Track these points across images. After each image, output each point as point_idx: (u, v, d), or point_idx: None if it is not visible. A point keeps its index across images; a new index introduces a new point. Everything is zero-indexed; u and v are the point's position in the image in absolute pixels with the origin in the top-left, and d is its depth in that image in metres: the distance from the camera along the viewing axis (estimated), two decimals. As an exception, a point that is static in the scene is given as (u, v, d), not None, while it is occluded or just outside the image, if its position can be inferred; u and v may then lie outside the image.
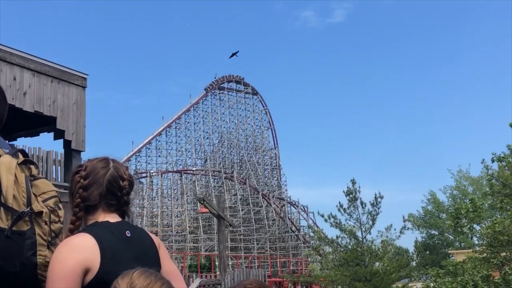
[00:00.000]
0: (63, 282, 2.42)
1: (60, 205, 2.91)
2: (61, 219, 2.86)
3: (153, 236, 2.88)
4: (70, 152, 12.55)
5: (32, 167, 2.90)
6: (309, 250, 50.12)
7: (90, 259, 2.48)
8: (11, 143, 3.05)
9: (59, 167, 14.49)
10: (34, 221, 2.68)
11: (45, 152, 14.54)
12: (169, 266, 2.84)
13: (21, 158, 2.83)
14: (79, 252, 2.48)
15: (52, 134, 12.74)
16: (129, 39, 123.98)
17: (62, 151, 13.39)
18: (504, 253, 20.02)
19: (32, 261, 2.64)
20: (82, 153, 12.83)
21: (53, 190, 2.93)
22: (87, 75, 12.97)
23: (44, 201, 2.81)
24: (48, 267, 2.54)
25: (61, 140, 12.52)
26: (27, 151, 14.49)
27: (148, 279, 1.99)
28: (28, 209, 2.65)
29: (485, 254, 20.80)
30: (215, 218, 27.01)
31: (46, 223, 2.74)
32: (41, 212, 2.72)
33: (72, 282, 2.43)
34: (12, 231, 2.60)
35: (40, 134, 13.77)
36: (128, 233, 2.70)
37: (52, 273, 2.47)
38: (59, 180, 13.66)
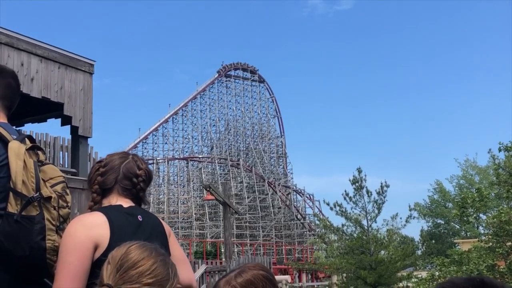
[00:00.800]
0: (74, 254, 2.48)
1: (68, 191, 2.96)
2: (69, 205, 2.91)
3: (164, 224, 2.95)
4: (77, 138, 12.59)
5: (40, 152, 2.94)
6: (314, 238, 50.21)
7: (100, 235, 2.53)
8: (18, 128, 3.08)
9: (66, 153, 14.55)
10: (43, 206, 2.71)
11: (53, 138, 14.59)
12: (178, 253, 2.92)
13: (28, 143, 2.86)
14: (90, 228, 2.55)
15: (59, 120, 12.78)
16: (136, 27, 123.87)
17: (69, 137, 13.44)
18: (509, 243, 20.00)
19: (41, 245, 2.67)
20: (89, 139, 12.87)
21: (60, 175, 2.97)
22: (94, 61, 12.98)
23: (52, 186, 2.85)
24: (61, 242, 2.60)
25: (68, 126, 12.56)
26: (34, 137, 14.54)
27: (144, 253, 1.93)
28: (37, 194, 2.69)
29: (490, 244, 20.78)
30: (221, 205, 27.08)
31: (54, 208, 2.78)
32: (50, 198, 2.75)
33: (82, 255, 2.48)
34: (21, 216, 2.64)
35: (48, 120, 13.82)
36: (140, 218, 2.77)
37: (63, 246, 2.53)
38: (66, 166, 13.72)
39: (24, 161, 2.71)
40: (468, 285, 1.49)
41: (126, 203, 2.81)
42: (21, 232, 2.63)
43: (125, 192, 2.83)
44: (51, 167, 2.96)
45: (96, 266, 2.47)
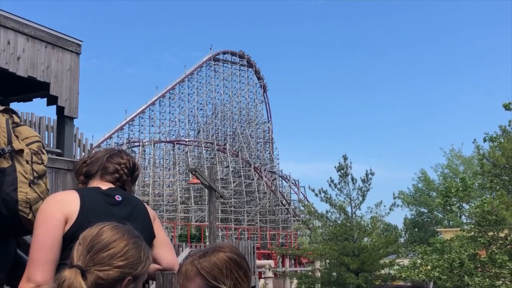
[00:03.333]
0: (45, 226, 2.55)
1: (44, 150, 3.00)
2: (44, 162, 2.94)
3: (149, 208, 3.00)
4: (63, 118, 12.49)
5: (14, 116, 2.98)
6: (298, 224, 50.45)
7: (70, 210, 2.60)
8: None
9: (51, 133, 14.45)
10: (15, 159, 2.76)
11: (38, 117, 14.48)
12: (162, 236, 2.96)
13: (1, 107, 2.91)
14: (62, 203, 2.62)
15: (45, 100, 12.68)
16: (125, 8, 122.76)
17: (55, 117, 13.33)
18: (491, 233, 20.20)
19: (13, 197, 2.72)
20: (75, 120, 12.78)
21: (35, 135, 3.03)
22: (81, 41, 12.86)
23: (27, 145, 2.88)
24: (35, 219, 2.65)
25: (54, 106, 12.46)
26: (19, 115, 14.44)
27: (116, 235, 1.87)
28: (8, 146, 2.72)
29: (472, 233, 20.98)
30: (206, 189, 27.10)
31: (27, 162, 2.81)
32: (22, 151, 2.79)
33: (52, 226, 2.55)
34: None
35: (33, 99, 13.70)
36: (118, 198, 2.81)
37: (36, 220, 2.61)
38: (52, 147, 13.63)
39: None
40: None
41: (105, 186, 2.87)
42: None
43: (107, 176, 2.89)
44: (26, 128, 3.01)
45: (65, 242, 2.54)
